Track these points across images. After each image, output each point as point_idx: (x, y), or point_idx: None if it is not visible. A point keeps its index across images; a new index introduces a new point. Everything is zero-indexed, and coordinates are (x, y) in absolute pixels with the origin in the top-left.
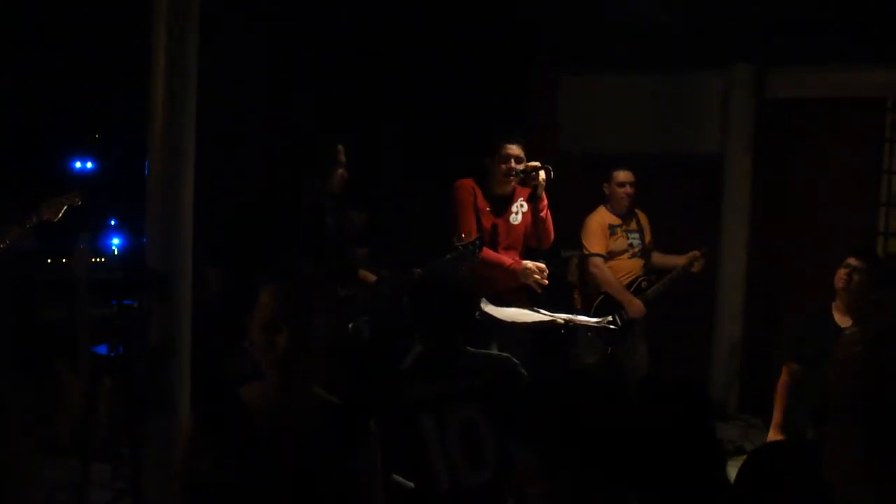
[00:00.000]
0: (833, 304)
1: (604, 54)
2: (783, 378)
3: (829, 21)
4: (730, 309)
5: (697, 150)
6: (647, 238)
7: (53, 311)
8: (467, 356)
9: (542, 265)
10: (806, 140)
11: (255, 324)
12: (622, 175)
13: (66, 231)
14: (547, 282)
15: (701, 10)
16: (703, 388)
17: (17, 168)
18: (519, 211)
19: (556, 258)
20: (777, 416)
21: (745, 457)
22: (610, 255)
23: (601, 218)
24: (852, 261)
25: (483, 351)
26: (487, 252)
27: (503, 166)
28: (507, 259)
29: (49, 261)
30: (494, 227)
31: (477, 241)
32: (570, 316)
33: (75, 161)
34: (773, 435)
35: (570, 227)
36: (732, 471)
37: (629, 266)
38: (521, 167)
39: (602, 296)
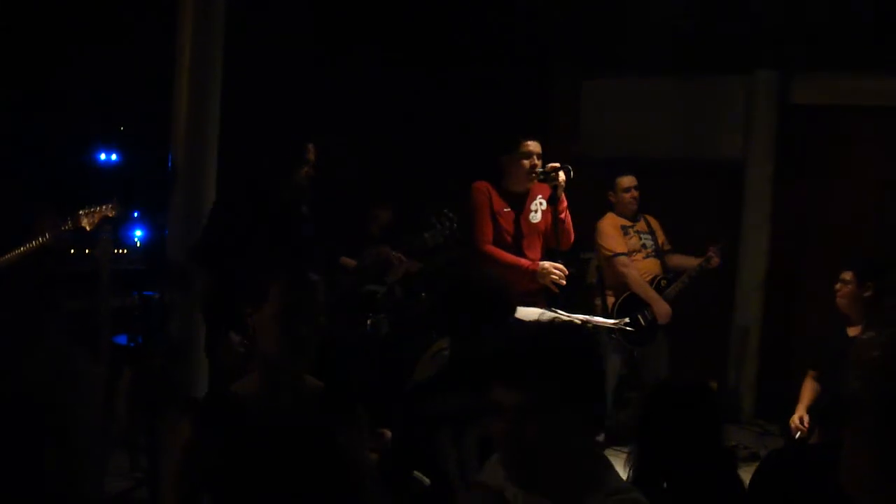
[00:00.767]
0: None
1: (626, 58)
2: (807, 381)
3: (853, 28)
4: (748, 315)
5: (719, 155)
6: (661, 239)
7: (75, 302)
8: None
9: (561, 266)
10: (829, 147)
11: (265, 317)
12: (626, 181)
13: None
14: (565, 282)
15: (723, 15)
16: (714, 393)
17: (44, 160)
18: (538, 209)
19: (575, 260)
20: (803, 400)
21: (758, 463)
22: (629, 255)
23: (611, 221)
24: (844, 275)
25: None
26: (503, 253)
27: (525, 162)
28: (524, 261)
29: (72, 251)
30: (514, 225)
31: (452, 216)
32: (586, 317)
33: (100, 152)
34: (799, 412)
35: (590, 230)
36: (746, 476)
37: (646, 266)
38: (538, 165)
39: (624, 296)
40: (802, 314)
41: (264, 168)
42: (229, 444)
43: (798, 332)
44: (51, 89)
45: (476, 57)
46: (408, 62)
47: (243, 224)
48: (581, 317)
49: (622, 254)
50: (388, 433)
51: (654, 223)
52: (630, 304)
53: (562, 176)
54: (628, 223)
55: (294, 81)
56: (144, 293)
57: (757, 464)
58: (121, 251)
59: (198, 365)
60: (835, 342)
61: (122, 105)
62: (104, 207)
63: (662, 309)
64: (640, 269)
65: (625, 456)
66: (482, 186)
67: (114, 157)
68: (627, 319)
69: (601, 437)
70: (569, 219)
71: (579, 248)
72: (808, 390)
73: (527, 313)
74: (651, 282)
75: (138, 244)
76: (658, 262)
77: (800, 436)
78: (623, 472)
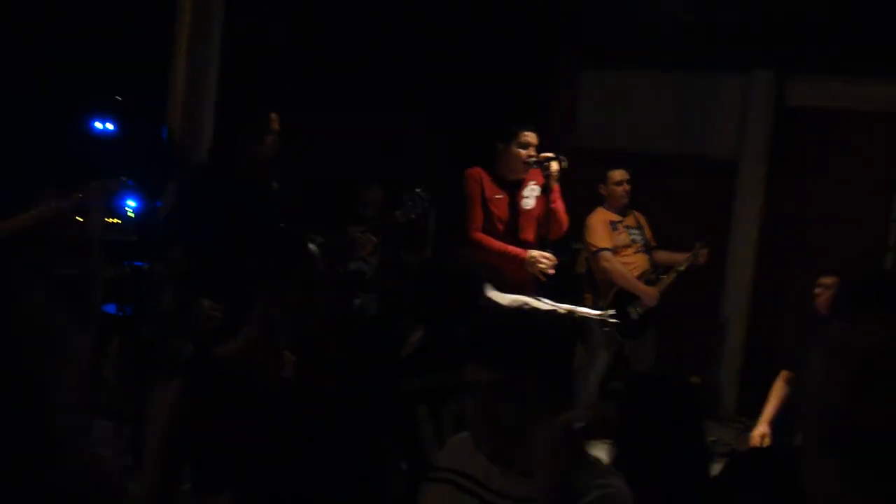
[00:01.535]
0: None
1: (626, 51)
2: (777, 382)
3: (854, 32)
4: (734, 313)
5: (713, 152)
6: (648, 235)
7: (67, 270)
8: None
9: (549, 254)
10: (822, 150)
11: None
12: (618, 174)
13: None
14: (553, 271)
15: (725, 12)
16: (694, 387)
17: (40, 129)
18: (532, 195)
19: (567, 249)
20: (767, 411)
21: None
22: (615, 251)
23: (601, 216)
24: (825, 280)
25: None
26: (492, 241)
27: (522, 152)
28: (513, 248)
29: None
30: (508, 212)
31: (425, 196)
32: (571, 307)
33: (95, 121)
34: (761, 425)
35: (582, 221)
36: None
37: (635, 261)
38: (534, 156)
39: (614, 290)
40: (788, 314)
41: (226, 139)
42: (214, 406)
43: (783, 331)
44: (46, 58)
45: (477, 44)
46: (409, 45)
47: (207, 195)
48: (566, 306)
49: (606, 249)
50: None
51: (642, 219)
52: (621, 299)
53: (554, 166)
54: (617, 218)
55: (292, 59)
56: (135, 263)
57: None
58: (113, 221)
59: (186, 334)
60: (809, 342)
61: (119, 74)
62: (113, 182)
63: (648, 295)
64: (630, 264)
65: (608, 447)
66: (475, 173)
67: (110, 126)
68: (613, 311)
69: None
70: (561, 208)
71: (571, 238)
72: (776, 397)
73: (508, 300)
74: (639, 277)
75: (131, 215)
76: (647, 257)
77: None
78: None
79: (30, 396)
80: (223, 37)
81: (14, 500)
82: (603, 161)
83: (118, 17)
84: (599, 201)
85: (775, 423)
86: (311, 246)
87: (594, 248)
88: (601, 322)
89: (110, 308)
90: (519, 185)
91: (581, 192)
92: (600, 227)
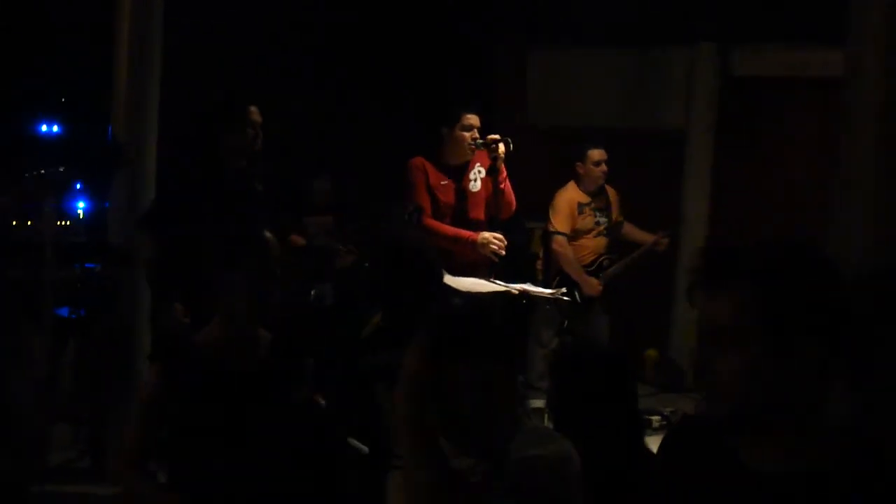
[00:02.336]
0: None
1: (571, 30)
2: None
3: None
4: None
5: (662, 125)
6: (615, 214)
7: (17, 272)
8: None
9: (500, 235)
10: (768, 118)
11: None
12: (598, 153)
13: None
14: (504, 252)
15: None
16: (625, 358)
17: None
18: (477, 177)
19: (520, 229)
20: None
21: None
22: (575, 234)
23: (570, 196)
24: None
25: None
26: (444, 227)
27: (465, 135)
28: (464, 232)
29: (14, 223)
30: (455, 197)
31: (415, 211)
32: (523, 286)
33: (41, 124)
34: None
35: (536, 200)
36: None
37: (594, 245)
38: (479, 138)
39: (560, 273)
40: None
41: (203, 133)
42: (192, 390)
43: None
44: None
45: (421, 25)
46: (348, 28)
47: (188, 192)
48: (518, 286)
49: (562, 234)
50: (322, 400)
51: (613, 196)
52: (569, 278)
53: (501, 147)
54: (586, 199)
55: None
56: (87, 265)
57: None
58: (64, 223)
59: (141, 337)
60: None
61: (63, 76)
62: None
63: (589, 286)
64: (588, 248)
65: None
66: (417, 162)
67: (55, 128)
68: (564, 289)
69: (541, 404)
70: (509, 189)
71: (525, 218)
72: None
73: (462, 283)
74: (595, 260)
75: (81, 216)
76: (606, 240)
77: None
78: None
79: None
80: (164, 34)
81: None
82: (553, 139)
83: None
84: (573, 177)
85: None
86: (266, 234)
87: (552, 229)
88: (546, 299)
89: (63, 311)
90: (464, 170)
91: (532, 170)
92: (565, 209)
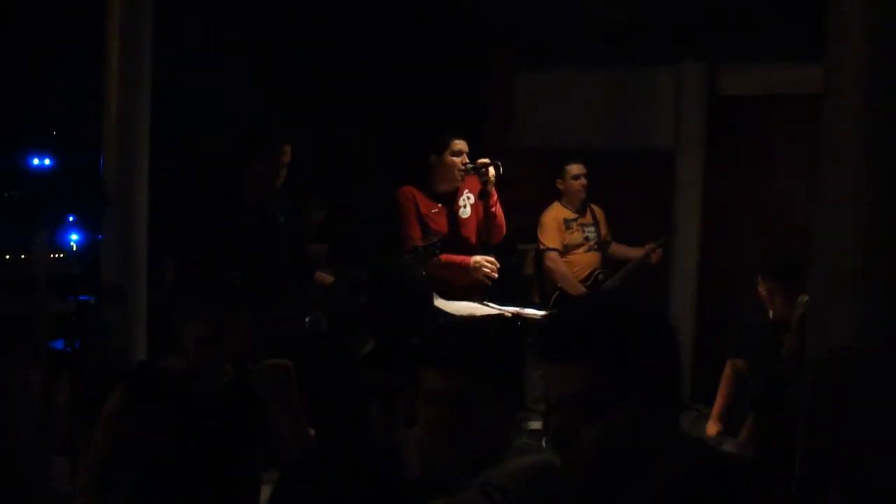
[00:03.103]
0: None
1: (559, 51)
2: (726, 371)
3: (779, 18)
4: (682, 301)
5: (651, 145)
6: (604, 231)
7: (11, 307)
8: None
9: (492, 259)
10: (756, 136)
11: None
12: (575, 168)
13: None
14: (497, 275)
15: (653, 7)
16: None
17: None
18: (467, 204)
19: (513, 252)
20: (717, 407)
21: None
22: (566, 250)
23: (556, 213)
24: (761, 288)
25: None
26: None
27: (455, 160)
28: (456, 257)
29: (7, 257)
30: (447, 224)
31: (437, 243)
32: (517, 309)
33: (33, 157)
34: (713, 425)
35: (526, 222)
36: None
37: (586, 260)
38: (468, 163)
39: (558, 290)
40: (736, 299)
41: (241, 168)
42: (155, 413)
43: (730, 317)
44: None
45: (410, 49)
46: (340, 54)
47: (211, 221)
48: (512, 309)
49: (553, 249)
50: (311, 431)
51: (600, 213)
52: (567, 296)
53: (491, 171)
54: (573, 216)
55: (223, 83)
56: (81, 297)
57: None
58: (57, 255)
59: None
60: (757, 329)
61: (54, 109)
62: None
63: None
64: (580, 263)
65: None
66: (406, 191)
67: (47, 161)
68: (558, 311)
69: (539, 426)
70: (500, 212)
71: (517, 240)
72: (725, 387)
73: (456, 307)
74: (589, 276)
75: (74, 248)
76: (599, 255)
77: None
78: None
79: None
80: (154, 64)
81: None
82: (543, 159)
83: (48, 50)
84: (555, 196)
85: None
86: (233, 273)
87: (542, 247)
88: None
89: (58, 344)
90: (453, 197)
91: (523, 191)
92: (552, 225)
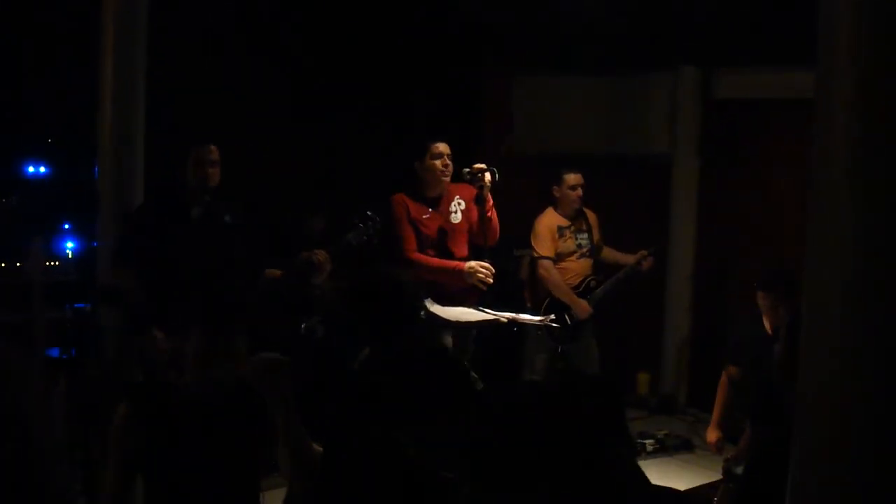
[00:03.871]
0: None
1: (555, 57)
2: (722, 380)
3: (773, 23)
4: (678, 307)
5: (647, 150)
6: (596, 237)
7: (7, 315)
8: (413, 357)
9: (487, 264)
10: (752, 140)
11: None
12: (573, 178)
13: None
14: (492, 280)
15: (648, 13)
16: (616, 385)
17: None
18: (457, 209)
19: (508, 256)
20: (715, 414)
21: (693, 452)
22: (559, 258)
23: (549, 221)
24: (761, 300)
25: (434, 351)
26: (429, 259)
27: (437, 163)
28: (450, 262)
29: (2, 264)
30: (438, 229)
31: (376, 218)
32: (512, 315)
33: (28, 165)
34: (713, 432)
35: (523, 227)
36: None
37: (578, 267)
38: (449, 165)
39: (549, 297)
40: (732, 304)
41: (170, 172)
42: (159, 425)
43: (728, 322)
44: None
45: (405, 55)
46: (334, 60)
47: (154, 226)
48: (507, 314)
49: (547, 258)
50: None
51: (593, 219)
52: (558, 302)
53: (487, 177)
54: (566, 223)
55: (220, 92)
56: (77, 305)
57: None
58: (53, 263)
59: (132, 375)
60: (754, 337)
61: (49, 117)
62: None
63: (580, 308)
64: (573, 270)
65: None
66: (398, 199)
67: (42, 169)
68: (553, 316)
69: None
70: (495, 217)
71: (512, 245)
72: (723, 395)
73: (451, 313)
74: (581, 283)
75: (70, 256)
76: (591, 262)
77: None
78: None
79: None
80: (148, 72)
81: None
82: (539, 166)
83: (43, 57)
84: (550, 203)
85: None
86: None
87: (536, 255)
88: (536, 326)
89: (54, 352)
90: (445, 202)
91: (519, 197)
92: (546, 233)
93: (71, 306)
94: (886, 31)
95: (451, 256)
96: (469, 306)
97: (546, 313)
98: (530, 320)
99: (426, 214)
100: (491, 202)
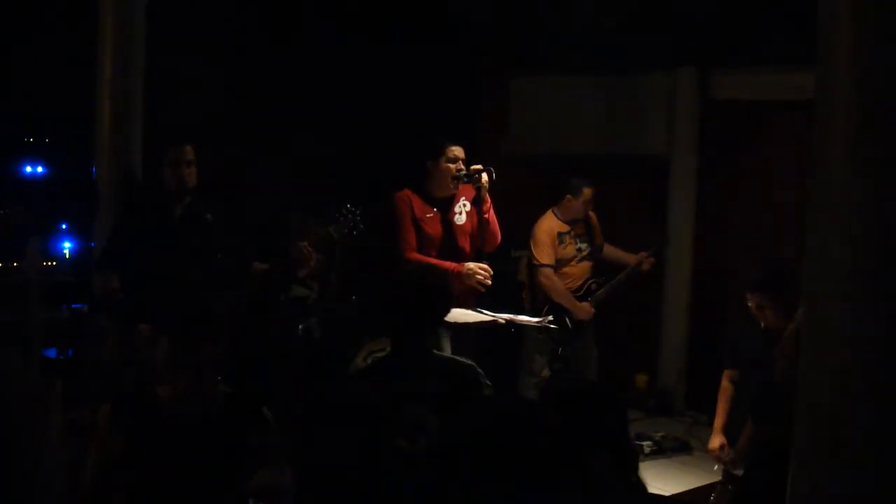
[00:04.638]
0: None
1: (552, 57)
2: (723, 384)
3: (771, 24)
4: (676, 308)
5: (644, 151)
6: (598, 239)
7: (4, 315)
8: (434, 360)
9: (486, 266)
10: (749, 141)
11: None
12: (590, 191)
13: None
14: (490, 282)
15: (646, 14)
16: (615, 393)
17: None
18: (462, 210)
19: (506, 258)
20: (718, 419)
21: (690, 454)
22: (559, 263)
23: (549, 226)
24: (749, 301)
25: (449, 356)
26: (429, 259)
27: (450, 167)
28: (448, 263)
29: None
30: (441, 230)
31: (356, 211)
32: (511, 316)
33: (25, 165)
34: (715, 436)
35: (520, 228)
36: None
37: (579, 271)
38: (463, 169)
39: (547, 306)
40: (730, 306)
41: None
42: (138, 435)
43: (726, 323)
44: None
45: (403, 56)
46: (336, 63)
47: (138, 226)
48: (506, 316)
49: (547, 265)
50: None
51: (594, 220)
52: (558, 305)
53: (485, 177)
54: (566, 228)
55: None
56: (74, 306)
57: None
58: (50, 263)
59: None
60: (751, 339)
61: (46, 117)
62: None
63: (582, 312)
64: (573, 275)
65: None
66: (403, 196)
67: (39, 169)
68: (551, 317)
69: None
70: (493, 219)
71: (510, 246)
72: (724, 400)
73: (450, 314)
74: (582, 286)
75: (67, 256)
76: (591, 264)
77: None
78: None
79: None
80: (146, 73)
81: None
82: (536, 166)
83: (41, 58)
84: (552, 203)
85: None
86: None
87: (536, 262)
88: (535, 328)
89: (51, 352)
90: (450, 203)
91: (517, 198)
92: (546, 240)
93: (68, 306)
94: (887, 30)
95: (454, 257)
96: (467, 307)
97: (546, 315)
98: (528, 322)
99: (430, 214)
100: (489, 203)
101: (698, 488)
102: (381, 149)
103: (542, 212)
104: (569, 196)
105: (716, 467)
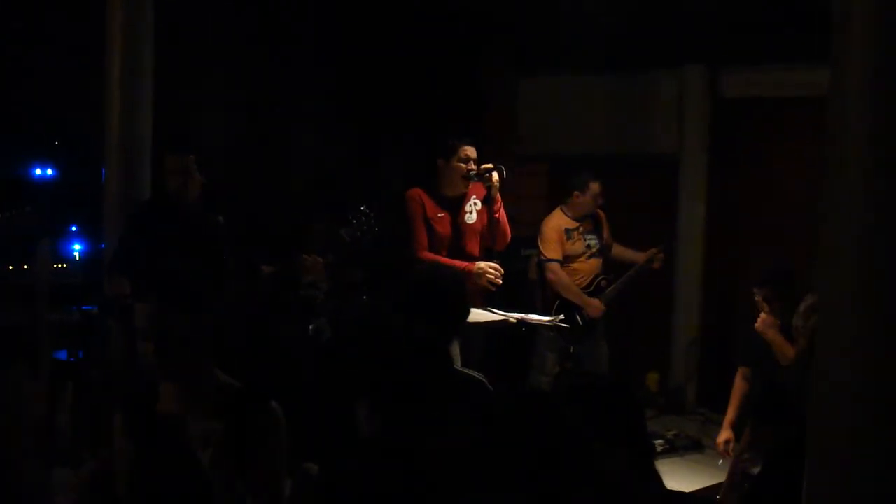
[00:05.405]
0: None
1: (561, 57)
2: (737, 381)
3: (780, 21)
4: (687, 306)
5: (654, 150)
6: (606, 235)
7: (14, 316)
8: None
9: (496, 265)
10: (759, 139)
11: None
12: (598, 186)
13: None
14: (501, 282)
15: (654, 12)
16: (630, 389)
17: None
18: (473, 209)
19: (517, 257)
20: (728, 415)
21: (702, 453)
22: (567, 259)
23: (556, 223)
24: (757, 298)
25: (464, 371)
26: (439, 258)
27: (462, 166)
28: (459, 263)
29: (10, 267)
30: (451, 229)
31: (369, 212)
32: (522, 315)
33: (35, 167)
34: (723, 431)
35: (531, 227)
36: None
37: (588, 267)
38: (474, 169)
39: (560, 298)
40: (741, 303)
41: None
42: (143, 442)
43: (737, 321)
44: None
45: (412, 56)
46: (345, 61)
47: (149, 230)
48: (516, 315)
49: (555, 260)
50: (314, 468)
51: (602, 217)
52: (569, 303)
53: (495, 176)
54: (574, 224)
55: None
56: (84, 308)
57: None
58: (60, 265)
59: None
60: (759, 337)
61: (56, 120)
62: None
63: (592, 307)
64: (582, 271)
65: None
66: (414, 194)
67: (49, 171)
68: (563, 316)
69: None
70: (504, 218)
71: (521, 245)
72: (737, 396)
73: None
74: (592, 282)
75: (77, 258)
76: (600, 261)
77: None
78: None
79: None
80: (155, 75)
81: None
82: (544, 166)
83: (51, 62)
84: (561, 200)
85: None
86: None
87: (543, 258)
88: (546, 326)
89: (61, 354)
90: (461, 202)
91: (526, 198)
92: (553, 236)
93: (78, 308)
94: None
95: (463, 257)
96: (478, 307)
97: (557, 314)
98: (539, 321)
99: (441, 213)
100: (500, 202)
101: (710, 487)
102: (391, 149)
103: (551, 211)
104: (576, 192)
105: (720, 462)
